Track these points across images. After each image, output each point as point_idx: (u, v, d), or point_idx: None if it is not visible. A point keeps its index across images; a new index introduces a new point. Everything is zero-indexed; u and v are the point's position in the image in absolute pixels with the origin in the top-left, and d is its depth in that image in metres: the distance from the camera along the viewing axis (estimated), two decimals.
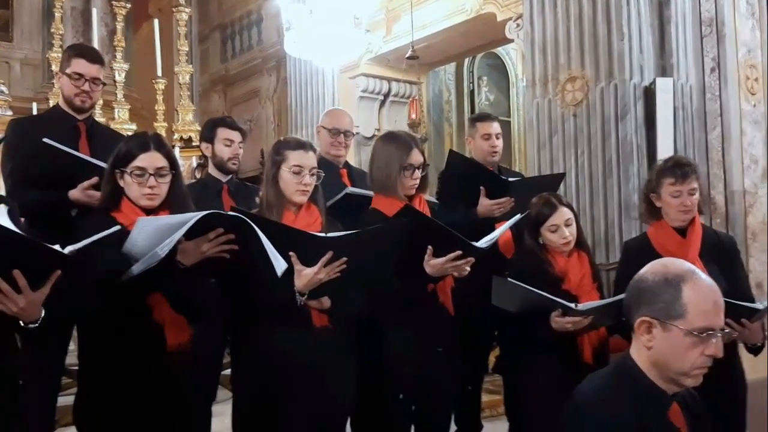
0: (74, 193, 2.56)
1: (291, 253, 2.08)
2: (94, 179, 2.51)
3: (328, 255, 2.10)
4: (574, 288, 2.62)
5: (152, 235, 1.93)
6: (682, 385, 1.59)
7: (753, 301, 2.43)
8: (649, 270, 1.62)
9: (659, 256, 2.45)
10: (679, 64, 3.86)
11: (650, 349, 1.57)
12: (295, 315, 2.20)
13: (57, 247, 1.66)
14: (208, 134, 3.26)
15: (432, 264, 2.39)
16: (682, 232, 2.60)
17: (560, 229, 2.64)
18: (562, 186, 3.43)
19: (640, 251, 2.56)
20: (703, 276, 1.59)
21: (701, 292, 1.55)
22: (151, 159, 2.15)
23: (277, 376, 2.21)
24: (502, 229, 2.58)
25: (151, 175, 2.13)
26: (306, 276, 2.10)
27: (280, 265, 1.95)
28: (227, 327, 2.53)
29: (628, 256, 2.68)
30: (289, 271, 2.09)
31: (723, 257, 2.61)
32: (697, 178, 2.61)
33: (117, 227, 1.91)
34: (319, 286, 2.14)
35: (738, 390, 2.58)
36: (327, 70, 6.64)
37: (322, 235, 2.16)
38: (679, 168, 2.57)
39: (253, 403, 2.28)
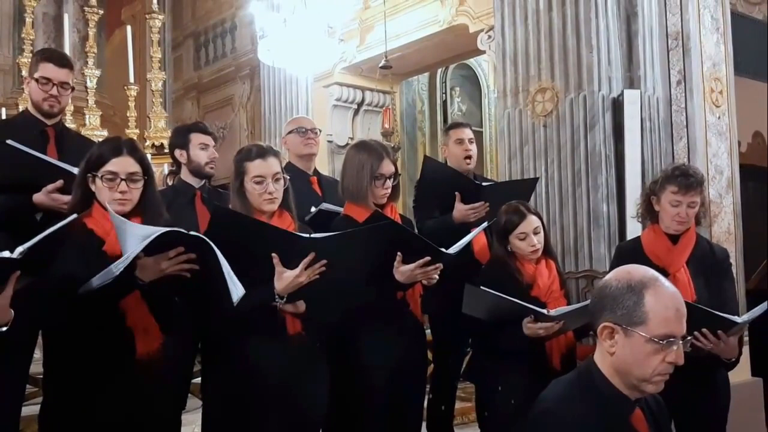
0: (38, 197, 2.49)
1: (273, 255, 2.07)
2: (59, 182, 2.46)
3: (311, 257, 2.08)
4: (543, 295, 2.65)
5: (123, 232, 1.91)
6: (643, 392, 1.59)
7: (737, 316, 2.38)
8: (613, 276, 1.63)
9: (649, 260, 2.49)
10: (646, 76, 3.92)
11: (612, 354, 1.58)
12: (269, 322, 2.18)
13: (6, 253, 1.63)
14: (181, 140, 3.21)
15: (401, 271, 2.39)
16: (676, 238, 2.61)
17: (529, 236, 2.67)
18: (531, 195, 3.47)
19: (631, 254, 2.58)
20: (666, 283, 1.59)
21: (663, 299, 1.55)
22: (123, 164, 2.11)
23: (249, 384, 2.19)
24: (470, 236, 2.60)
25: (122, 180, 2.09)
26: (287, 279, 2.09)
27: (237, 291, 1.90)
28: (198, 334, 2.50)
29: (620, 260, 2.65)
30: (269, 275, 2.08)
31: (713, 269, 2.62)
32: (701, 192, 2.60)
33: (73, 216, 1.87)
34: (297, 290, 2.12)
35: (720, 400, 2.58)
36: (301, 78, 6.64)
37: (306, 235, 2.14)
38: (684, 178, 2.56)
39: (223, 411, 2.26)
